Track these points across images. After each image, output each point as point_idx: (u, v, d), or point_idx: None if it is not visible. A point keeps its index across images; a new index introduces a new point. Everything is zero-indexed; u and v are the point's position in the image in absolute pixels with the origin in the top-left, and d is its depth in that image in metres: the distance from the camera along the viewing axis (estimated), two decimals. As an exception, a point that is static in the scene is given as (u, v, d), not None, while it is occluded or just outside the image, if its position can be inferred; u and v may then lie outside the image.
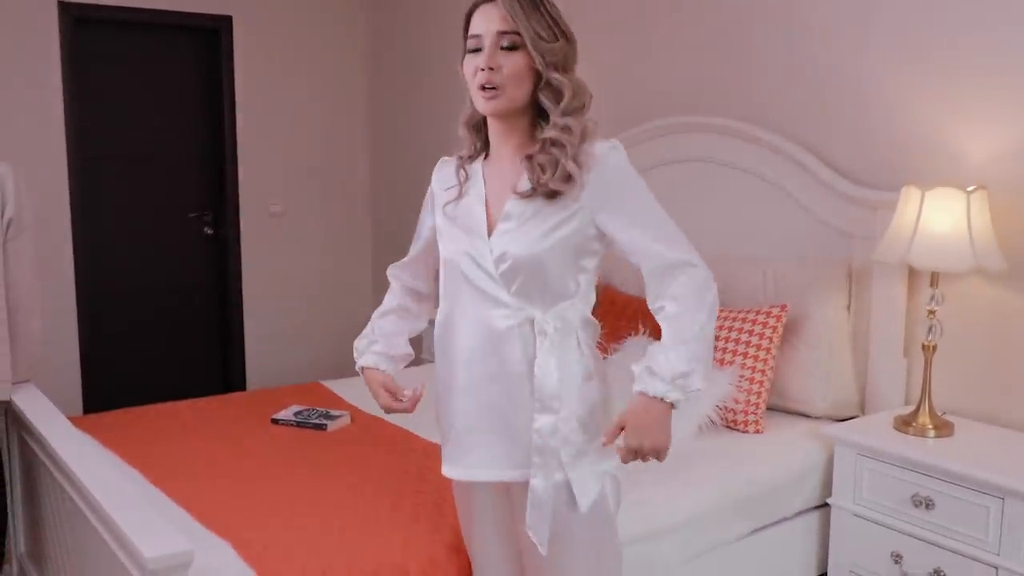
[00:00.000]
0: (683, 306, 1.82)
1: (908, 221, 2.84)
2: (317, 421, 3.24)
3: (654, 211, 1.88)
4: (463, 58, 1.92)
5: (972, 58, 2.98)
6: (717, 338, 3.24)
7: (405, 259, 2.27)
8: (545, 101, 1.86)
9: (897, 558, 2.76)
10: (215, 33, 5.52)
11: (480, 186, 1.97)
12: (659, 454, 1.82)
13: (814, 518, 3.04)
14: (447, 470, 2.06)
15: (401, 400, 2.15)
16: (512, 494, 1.99)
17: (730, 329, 3.24)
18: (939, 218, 2.78)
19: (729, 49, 3.73)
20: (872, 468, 2.82)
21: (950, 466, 2.63)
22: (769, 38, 3.60)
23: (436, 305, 2.10)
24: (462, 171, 2.01)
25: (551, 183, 1.83)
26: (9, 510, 3.19)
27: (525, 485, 1.91)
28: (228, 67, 5.55)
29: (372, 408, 3.44)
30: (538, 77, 1.85)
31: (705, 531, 2.70)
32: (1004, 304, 2.94)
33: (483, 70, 1.83)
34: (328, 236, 6.05)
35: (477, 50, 1.86)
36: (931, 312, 2.87)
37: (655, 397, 1.80)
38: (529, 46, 1.81)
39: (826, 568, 3.02)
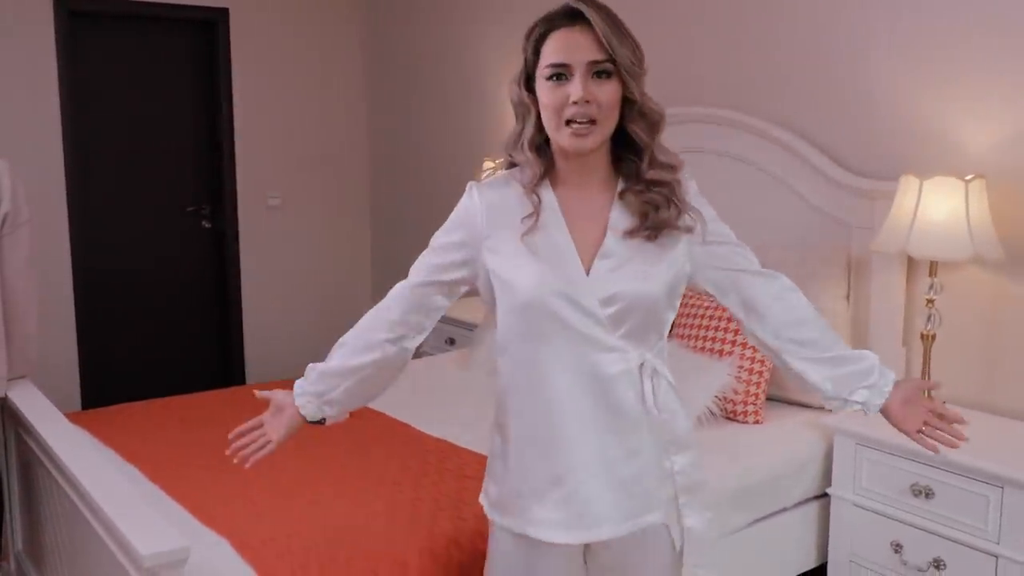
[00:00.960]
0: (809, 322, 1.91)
1: (906, 210, 2.83)
2: (315, 415, 3.23)
3: (730, 234, 1.87)
4: (521, 78, 1.74)
5: (970, 48, 2.96)
6: (716, 328, 3.23)
7: (422, 278, 1.86)
8: (638, 132, 1.69)
9: (897, 547, 2.76)
10: (211, 25, 5.51)
11: (558, 214, 1.73)
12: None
13: (814, 508, 3.04)
14: (554, 535, 1.74)
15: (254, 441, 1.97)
16: (593, 552, 1.81)
17: (729, 319, 3.23)
18: (937, 207, 2.77)
19: (727, 40, 3.71)
20: (871, 458, 2.82)
21: (949, 455, 2.61)
22: (767, 29, 3.58)
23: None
24: (534, 196, 1.73)
25: (663, 218, 1.69)
26: (6, 508, 3.19)
27: (607, 541, 1.76)
28: (225, 59, 5.53)
29: (372, 402, 3.44)
30: (624, 106, 1.67)
31: (704, 522, 2.70)
32: (1002, 293, 2.93)
33: (576, 102, 1.63)
34: (327, 229, 6.04)
35: (559, 77, 1.65)
36: (930, 301, 2.86)
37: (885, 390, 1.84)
38: (624, 74, 1.63)
39: (826, 558, 3.02)
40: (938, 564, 2.66)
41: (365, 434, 3.10)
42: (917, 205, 2.80)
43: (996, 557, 2.53)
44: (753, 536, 2.88)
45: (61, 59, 4.98)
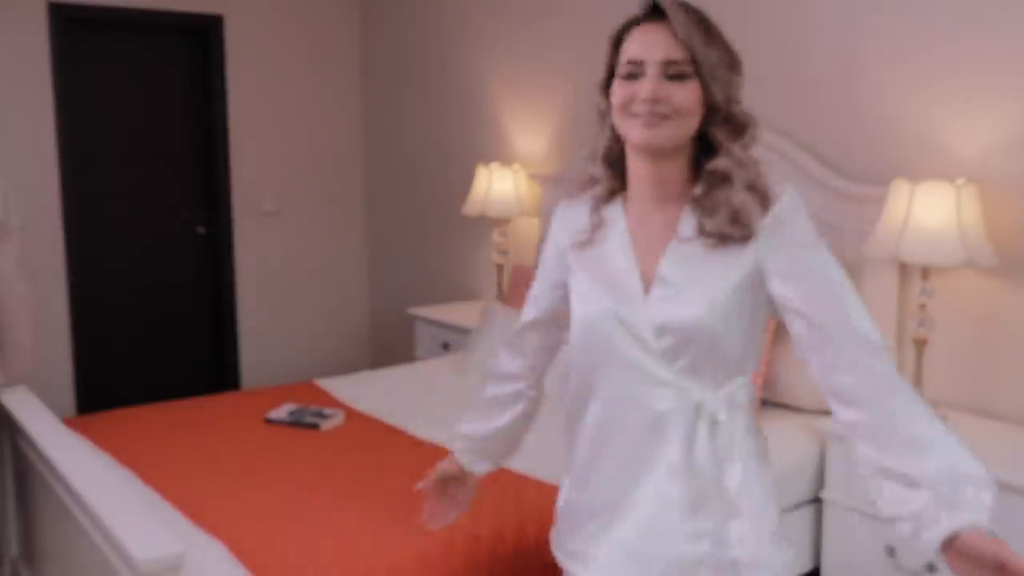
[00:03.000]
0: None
1: (898, 215, 2.84)
2: (311, 420, 3.24)
3: (831, 271, 1.53)
4: (605, 80, 1.60)
5: (961, 53, 2.98)
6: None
7: (527, 321, 1.80)
8: (720, 136, 1.54)
9: (891, 551, 2.77)
10: (206, 32, 5.51)
11: (624, 234, 1.60)
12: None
13: (807, 512, 3.04)
14: (576, 568, 1.65)
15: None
16: None
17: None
18: (929, 212, 2.78)
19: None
20: (864, 462, 2.82)
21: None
22: (759, 33, 3.60)
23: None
24: (597, 214, 1.63)
25: (719, 224, 1.50)
26: (1, 513, 3.19)
27: None
28: (219, 66, 5.53)
29: (365, 407, 3.45)
30: (707, 111, 1.54)
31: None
32: (994, 297, 2.95)
33: (645, 101, 1.50)
34: (322, 235, 6.04)
35: (633, 76, 1.52)
36: (922, 306, 2.88)
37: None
38: (706, 78, 1.50)
39: (820, 562, 3.03)
40: (931, 568, 2.67)
41: (360, 439, 3.11)
42: (909, 210, 2.81)
43: (988, 560, 2.54)
44: (747, 540, 2.88)
45: (55, 65, 4.98)
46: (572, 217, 1.68)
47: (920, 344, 2.89)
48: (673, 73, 1.50)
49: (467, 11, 5.11)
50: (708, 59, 1.51)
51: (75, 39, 5.11)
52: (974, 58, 2.95)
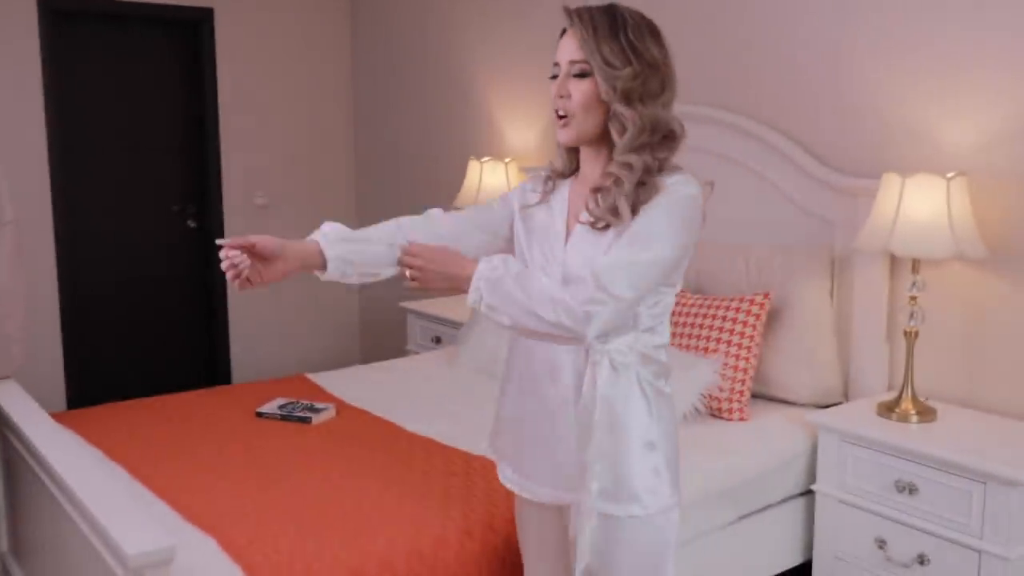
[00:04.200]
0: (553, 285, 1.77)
1: (889, 208, 2.84)
2: (302, 414, 3.23)
3: (650, 233, 1.75)
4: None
5: (951, 46, 2.98)
6: (700, 325, 3.25)
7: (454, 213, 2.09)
8: (613, 133, 1.80)
9: (881, 543, 2.78)
10: (196, 25, 5.49)
11: (564, 203, 1.94)
12: (422, 280, 1.83)
13: (799, 505, 3.05)
14: (507, 483, 2.06)
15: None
16: (564, 514, 1.99)
17: (714, 317, 3.24)
18: (919, 205, 2.78)
19: (710, 38, 3.72)
20: (856, 454, 2.84)
21: (933, 451, 2.64)
22: (749, 26, 3.60)
23: None
24: (550, 182, 1.99)
25: (601, 214, 1.79)
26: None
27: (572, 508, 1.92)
28: (210, 59, 5.52)
29: (357, 401, 3.45)
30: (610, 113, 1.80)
31: (691, 519, 2.71)
32: (985, 290, 2.96)
33: (555, 97, 1.83)
34: (313, 227, 5.91)
35: (555, 76, 1.85)
36: (913, 298, 2.88)
37: (469, 275, 1.79)
38: (597, 75, 1.77)
39: (811, 555, 3.04)
40: (922, 560, 2.68)
41: (350, 432, 3.10)
42: (899, 203, 2.81)
43: (979, 552, 2.55)
44: (738, 533, 2.89)
45: (45, 58, 4.96)
46: (528, 189, 2.03)
47: (911, 336, 2.90)
48: (576, 72, 1.80)
49: (457, 5, 5.10)
50: (596, 56, 1.76)
51: (65, 32, 5.09)
52: (964, 53, 2.95)
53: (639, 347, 1.84)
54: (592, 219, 1.82)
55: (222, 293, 5.70)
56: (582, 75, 1.79)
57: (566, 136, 1.85)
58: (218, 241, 1.79)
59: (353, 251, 2.02)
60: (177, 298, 5.68)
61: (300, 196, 5.95)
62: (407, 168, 5.63)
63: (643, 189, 1.77)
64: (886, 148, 3.18)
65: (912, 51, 3.09)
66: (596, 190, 1.82)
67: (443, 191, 5.17)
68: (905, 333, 2.91)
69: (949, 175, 2.78)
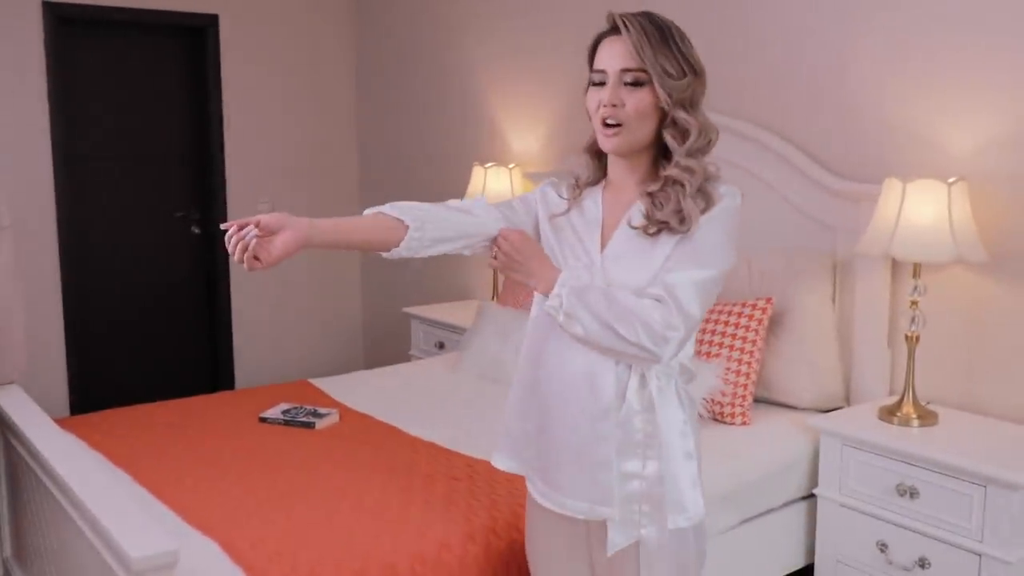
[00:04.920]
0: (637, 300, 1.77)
1: (890, 213, 2.85)
2: (305, 419, 3.24)
3: (712, 249, 1.79)
4: (587, 89, 1.87)
5: (953, 52, 2.99)
6: (703, 330, 3.25)
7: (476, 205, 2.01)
8: (669, 140, 1.81)
9: (883, 547, 2.78)
10: (201, 31, 5.51)
11: (598, 212, 1.92)
12: (504, 265, 1.88)
13: (801, 509, 3.06)
14: (539, 497, 1.98)
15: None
16: (590, 527, 1.95)
17: (716, 322, 3.25)
18: (920, 210, 2.79)
19: (711, 43, 3.72)
20: (857, 458, 2.84)
21: (934, 455, 2.65)
22: (751, 32, 3.61)
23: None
24: (577, 190, 1.96)
25: (665, 216, 1.78)
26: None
27: (602, 522, 1.89)
28: (215, 65, 5.53)
29: (361, 406, 3.45)
30: (662, 114, 1.80)
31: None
32: (985, 294, 2.96)
33: (605, 106, 1.79)
34: (316, 234, 6.01)
35: (600, 84, 1.82)
36: (914, 303, 2.89)
37: (552, 279, 1.83)
38: (656, 84, 1.76)
39: (813, 558, 3.04)
40: (923, 563, 2.68)
41: (354, 437, 3.11)
42: (900, 208, 2.82)
43: (979, 555, 2.55)
44: (741, 536, 2.90)
45: (49, 65, 4.97)
46: (553, 196, 2.00)
47: (912, 341, 2.90)
48: (629, 80, 1.78)
49: (461, 11, 5.11)
50: (656, 65, 1.76)
51: (69, 39, 5.10)
52: (965, 58, 2.96)
53: (680, 357, 1.87)
54: (645, 223, 1.81)
55: (226, 298, 5.72)
56: (636, 83, 1.78)
57: (615, 144, 1.82)
58: (223, 225, 1.69)
59: (428, 217, 1.86)
60: (181, 303, 5.69)
61: (304, 202, 5.95)
62: (411, 174, 5.64)
63: (700, 196, 1.79)
64: (888, 153, 3.18)
65: (914, 57, 3.10)
66: (651, 194, 1.81)
67: (447, 196, 5.10)
68: (906, 337, 2.92)
69: (950, 180, 2.79)
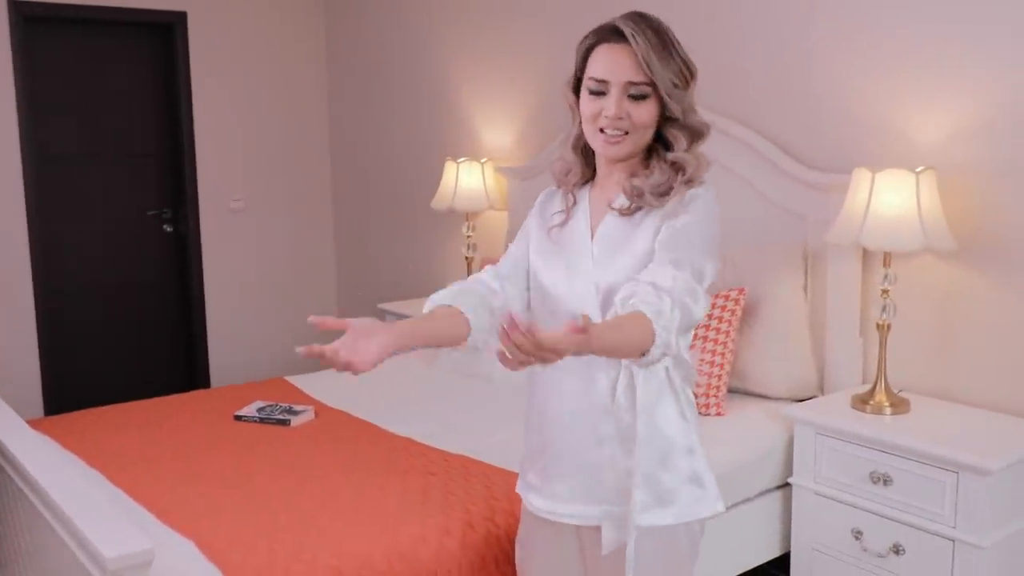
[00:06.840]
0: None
1: (860, 203, 2.87)
2: (280, 417, 3.23)
3: (693, 236, 1.75)
4: (573, 84, 1.84)
5: (920, 41, 3.02)
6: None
7: (502, 273, 2.00)
8: (673, 141, 1.80)
9: (857, 534, 2.80)
10: (170, 28, 5.47)
11: (587, 212, 1.90)
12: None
13: (776, 498, 3.08)
14: (535, 502, 1.97)
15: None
16: (582, 536, 1.94)
17: (689, 314, 3.26)
18: (889, 199, 2.82)
19: (679, 34, 3.74)
20: (831, 447, 2.86)
21: (906, 443, 2.67)
22: (717, 22, 3.62)
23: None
24: (570, 196, 1.92)
25: (641, 184, 1.77)
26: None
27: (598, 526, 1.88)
28: (184, 63, 5.49)
29: (336, 403, 3.45)
30: (663, 119, 1.79)
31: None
32: (955, 282, 2.99)
33: (609, 117, 1.75)
34: (290, 231, 6.02)
35: (600, 93, 1.77)
36: (885, 292, 2.91)
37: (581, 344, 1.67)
38: (664, 97, 1.75)
39: (790, 547, 3.06)
40: (897, 550, 2.71)
41: (331, 435, 3.10)
42: (870, 197, 2.84)
43: (953, 541, 2.58)
44: (717, 526, 2.90)
45: (17, 64, 4.92)
46: (549, 204, 1.98)
47: (883, 329, 2.93)
48: (634, 93, 1.74)
49: (432, 7, 5.10)
50: (665, 79, 1.73)
51: (37, 37, 5.06)
52: (932, 48, 2.99)
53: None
54: (627, 203, 1.80)
55: (199, 297, 5.69)
56: (641, 96, 1.75)
57: (619, 151, 1.79)
58: (298, 350, 1.62)
59: (478, 310, 1.87)
60: (154, 302, 5.66)
61: (276, 200, 5.94)
62: (384, 169, 5.63)
63: (690, 185, 1.79)
64: (856, 143, 3.21)
65: (880, 47, 3.12)
66: (634, 174, 1.81)
67: (420, 192, 5.17)
68: (878, 326, 2.94)
69: (918, 169, 2.81)
